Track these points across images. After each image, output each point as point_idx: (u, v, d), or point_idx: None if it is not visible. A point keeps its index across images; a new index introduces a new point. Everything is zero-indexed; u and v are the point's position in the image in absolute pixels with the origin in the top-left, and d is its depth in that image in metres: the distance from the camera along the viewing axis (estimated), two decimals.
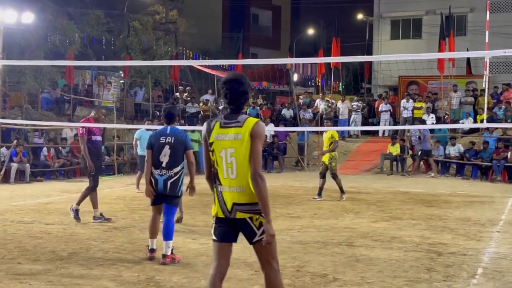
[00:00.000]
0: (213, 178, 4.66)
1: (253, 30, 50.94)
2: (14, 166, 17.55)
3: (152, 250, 7.57)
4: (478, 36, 29.83)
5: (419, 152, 21.46)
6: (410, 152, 22.37)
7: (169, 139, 7.50)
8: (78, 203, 10.40)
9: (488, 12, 13.46)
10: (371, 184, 18.14)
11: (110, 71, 28.78)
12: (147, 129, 14.59)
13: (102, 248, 8.15)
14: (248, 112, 26.88)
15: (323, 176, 14.23)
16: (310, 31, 44.20)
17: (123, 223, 10.42)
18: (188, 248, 8.23)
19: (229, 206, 4.53)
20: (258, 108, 27.23)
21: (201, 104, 27.32)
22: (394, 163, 22.04)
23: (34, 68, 21.85)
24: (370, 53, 37.02)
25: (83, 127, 10.35)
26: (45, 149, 19.42)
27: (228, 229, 4.63)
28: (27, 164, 17.93)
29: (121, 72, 28.45)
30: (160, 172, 7.47)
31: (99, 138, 10.51)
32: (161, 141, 7.51)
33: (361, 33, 40.87)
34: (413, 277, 6.85)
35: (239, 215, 4.52)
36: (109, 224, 10.19)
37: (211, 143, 4.59)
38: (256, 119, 4.59)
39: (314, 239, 9.04)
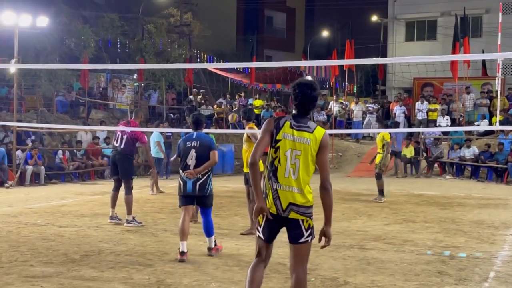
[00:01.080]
0: (267, 175, 4.75)
1: (267, 32, 50.95)
2: (29, 168, 17.69)
3: (183, 253, 7.65)
4: (493, 37, 29.50)
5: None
6: (425, 154, 22.25)
7: (194, 143, 7.90)
8: (129, 212, 10.46)
9: (500, 13, 13.34)
10: (385, 187, 18.01)
11: (125, 74, 28.93)
12: (161, 132, 14.71)
13: (114, 251, 8.19)
14: (262, 115, 26.95)
15: (380, 177, 14.34)
16: (324, 33, 44.12)
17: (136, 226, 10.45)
18: (200, 251, 8.24)
19: (284, 205, 4.66)
20: (272, 110, 27.24)
21: (215, 106, 27.38)
22: (408, 165, 21.93)
23: (49, 71, 22.01)
24: (384, 55, 36.90)
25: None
26: (60, 151, 19.55)
27: (275, 228, 4.76)
28: (42, 167, 18.07)
29: (135, 75, 28.59)
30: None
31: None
32: (187, 146, 7.91)
33: (375, 35, 40.77)
34: (424, 281, 6.81)
35: (293, 215, 4.67)
36: (122, 227, 10.24)
37: (278, 140, 4.69)
38: (324, 130, 4.79)
39: None
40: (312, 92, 4.76)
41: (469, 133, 22.76)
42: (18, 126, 17.82)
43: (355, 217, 11.89)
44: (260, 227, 4.76)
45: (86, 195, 15.42)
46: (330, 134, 24.53)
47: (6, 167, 17.29)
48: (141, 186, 17.84)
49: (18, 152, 18.00)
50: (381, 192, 14.27)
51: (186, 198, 7.87)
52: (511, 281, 6.88)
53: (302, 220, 4.67)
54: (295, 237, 4.70)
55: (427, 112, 24.97)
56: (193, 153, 7.82)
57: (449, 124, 23.47)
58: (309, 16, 56.02)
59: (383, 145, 14.16)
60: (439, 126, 22.93)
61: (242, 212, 11.34)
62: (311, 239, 4.76)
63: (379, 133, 14.64)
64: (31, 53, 22.15)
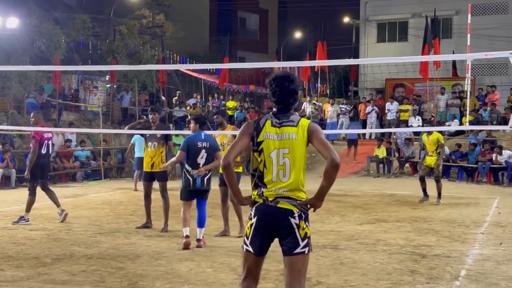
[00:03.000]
0: (253, 183, 4.35)
1: (240, 34, 50.95)
2: (0, 171, 17.44)
3: (187, 236, 8.46)
4: (463, 38, 29.95)
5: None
6: (397, 154, 22.43)
7: (204, 143, 8.68)
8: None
9: (470, 15, 13.52)
10: (357, 187, 18.18)
11: (97, 75, 28.68)
12: (141, 135, 14.73)
13: (85, 254, 8.11)
14: (235, 116, 26.92)
15: (423, 179, 14.21)
16: (297, 35, 44.29)
17: (108, 228, 10.37)
18: (172, 253, 8.21)
19: (271, 199, 4.25)
20: (245, 111, 27.23)
21: (188, 107, 27.29)
22: (381, 165, 22.10)
23: (20, 73, 21.72)
24: (356, 56, 37.14)
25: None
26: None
27: (266, 236, 4.29)
28: (13, 170, 17.82)
29: (108, 76, 28.36)
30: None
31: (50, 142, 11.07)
32: (198, 146, 8.65)
33: (347, 36, 40.99)
34: (396, 280, 6.87)
35: (282, 204, 4.21)
36: (94, 229, 10.14)
37: (260, 142, 4.27)
38: (308, 120, 4.41)
39: None
40: (291, 85, 4.35)
41: (440, 133, 22.97)
42: None
43: (328, 217, 11.93)
44: (248, 239, 4.28)
45: (57, 198, 15.20)
46: None
47: None
48: (113, 188, 17.75)
49: None
50: (440, 194, 13.99)
51: (191, 193, 8.66)
52: (481, 279, 6.96)
53: (298, 226, 4.20)
54: (289, 247, 4.20)
55: (398, 112, 25.22)
56: (203, 153, 8.60)
57: (421, 124, 23.70)
58: (282, 18, 56.16)
59: (437, 147, 14.03)
60: (411, 126, 23.14)
61: (216, 213, 11.30)
62: (308, 250, 4.25)
63: (429, 135, 14.20)
64: (1, 55, 21.85)
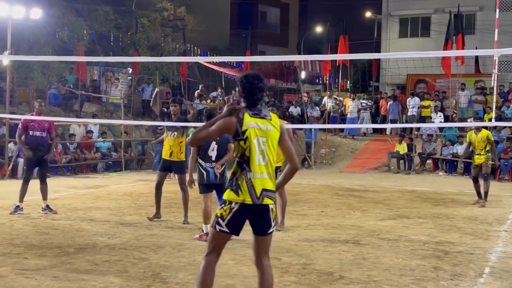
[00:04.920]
0: (235, 167, 4.77)
1: (261, 28, 50.79)
2: (22, 161, 17.56)
3: (207, 234, 7.84)
4: (486, 35, 29.68)
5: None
6: (418, 151, 22.29)
7: None
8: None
9: (497, 10, 13.35)
10: (378, 183, 18.10)
11: (118, 67, 28.78)
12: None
13: (108, 244, 8.16)
14: None
15: (476, 180, 13.50)
16: (318, 29, 44.05)
17: (130, 219, 10.42)
18: (194, 245, 8.22)
19: (258, 192, 4.66)
20: (265, 105, 27.16)
21: (208, 101, 27.30)
22: (401, 161, 21.98)
23: (42, 64, 21.88)
24: (378, 51, 36.87)
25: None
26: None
27: (243, 218, 4.72)
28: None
29: (129, 68, 28.46)
30: (211, 165, 8.51)
31: (37, 133, 10.97)
32: None
33: (369, 31, 40.72)
34: (419, 276, 6.82)
35: (266, 201, 4.69)
36: (116, 220, 10.20)
37: (244, 131, 4.70)
38: (277, 116, 4.94)
39: (321, 237, 9.02)
40: (259, 83, 4.84)
41: (462, 129, 22.80)
42: (10, 119, 17.70)
43: (349, 212, 11.90)
44: (224, 221, 4.68)
45: (79, 188, 15.36)
46: (324, 130, 24.68)
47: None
48: (134, 179, 17.84)
49: (11, 145, 17.91)
50: (486, 193, 13.43)
51: (208, 186, 8.55)
52: (506, 277, 6.89)
53: (271, 209, 4.72)
54: (264, 228, 4.73)
55: (420, 109, 25.05)
56: (214, 144, 8.46)
57: (443, 120, 23.53)
58: (303, 12, 55.92)
59: (486, 145, 13.31)
60: (433, 122, 22.98)
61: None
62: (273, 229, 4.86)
63: (478, 133, 13.47)
64: (24, 46, 21.99)
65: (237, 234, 4.78)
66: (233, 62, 31.01)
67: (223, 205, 4.71)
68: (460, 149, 20.85)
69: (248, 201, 4.64)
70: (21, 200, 10.78)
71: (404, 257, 7.74)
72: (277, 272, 6.79)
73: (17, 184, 15.84)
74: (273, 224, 4.77)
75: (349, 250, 8.11)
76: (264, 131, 4.74)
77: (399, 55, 20.26)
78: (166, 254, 7.62)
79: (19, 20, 18.66)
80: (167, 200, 12.08)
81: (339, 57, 24.05)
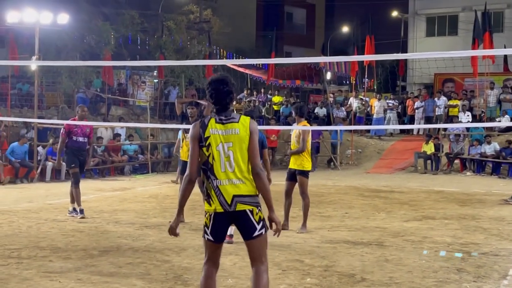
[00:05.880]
0: (202, 175, 4.74)
1: (287, 29, 50.76)
2: (50, 165, 17.85)
3: (231, 236, 8.27)
4: None
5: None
6: (446, 151, 22.08)
7: None
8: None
9: None
10: (404, 183, 17.96)
11: (144, 70, 29.06)
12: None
13: (132, 247, 8.24)
14: (281, 111, 26.98)
15: None
16: (345, 29, 43.93)
17: (155, 221, 10.51)
18: None
19: (228, 199, 4.58)
20: (291, 106, 27.17)
21: (234, 102, 27.40)
22: (428, 161, 21.79)
23: (70, 68, 22.19)
24: (405, 50, 36.66)
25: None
26: None
27: (225, 227, 4.70)
28: (63, 163, 18.16)
29: (155, 71, 28.71)
30: None
31: (80, 138, 11.05)
32: None
33: (396, 31, 40.48)
34: (442, 278, 6.76)
35: (240, 207, 4.58)
36: (141, 222, 10.30)
37: (207, 138, 4.64)
38: (249, 117, 4.80)
39: (344, 239, 8.99)
40: (225, 87, 4.72)
41: (490, 129, 22.53)
42: (39, 123, 17.98)
43: (374, 213, 11.84)
44: (208, 228, 4.65)
45: (106, 191, 15.54)
46: (350, 130, 24.58)
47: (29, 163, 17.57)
48: (160, 182, 17.98)
49: (39, 148, 18.20)
50: None
51: None
52: None
53: (251, 212, 4.58)
54: (247, 232, 4.62)
55: (447, 108, 24.80)
56: None
57: (470, 120, 23.27)
58: (329, 12, 55.78)
59: None
60: (460, 122, 22.74)
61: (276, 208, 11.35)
62: (265, 231, 4.66)
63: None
64: (52, 50, 22.34)
65: (220, 242, 4.71)
66: (259, 63, 31.07)
67: (205, 214, 4.70)
68: (488, 148, 20.62)
69: (219, 209, 4.59)
70: (79, 203, 10.84)
71: (427, 259, 7.68)
72: (298, 274, 6.81)
73: (45, 187, 16.15)
74: (258, 227, 4.60)
75: (372, 252, 8.07)
76: (229, 136, 4.63)
77: (425, 55, 20.10)
78: (189, 256, 7.67)
79: (46, 26, 18.94)
80: (192, 203, 12.09)
81: (364, 58, 23.94)
